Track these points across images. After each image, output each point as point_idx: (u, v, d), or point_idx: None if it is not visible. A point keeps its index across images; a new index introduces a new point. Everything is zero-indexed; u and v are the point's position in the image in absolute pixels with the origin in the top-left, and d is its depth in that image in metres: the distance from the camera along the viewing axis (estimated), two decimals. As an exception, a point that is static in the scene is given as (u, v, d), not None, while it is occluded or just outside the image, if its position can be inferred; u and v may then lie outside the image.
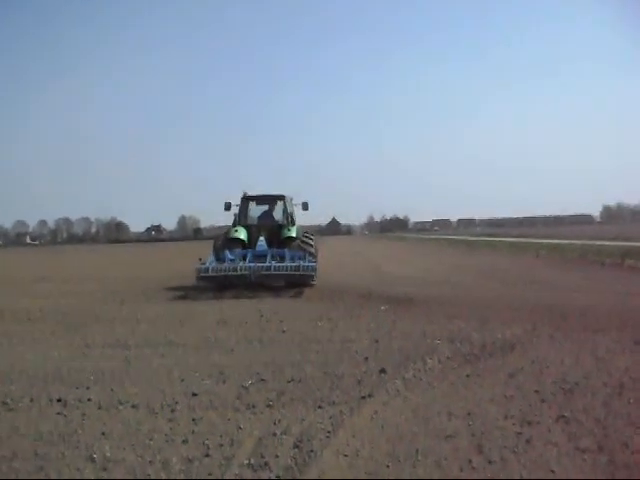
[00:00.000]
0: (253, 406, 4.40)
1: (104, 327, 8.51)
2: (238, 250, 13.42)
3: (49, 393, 4.90)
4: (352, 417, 4.11)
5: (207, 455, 3.48)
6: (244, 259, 12.95)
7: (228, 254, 13.02)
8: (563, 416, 3.97)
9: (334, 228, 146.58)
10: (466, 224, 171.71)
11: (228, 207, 15.21)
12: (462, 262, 22.92)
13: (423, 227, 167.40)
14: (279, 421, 4.05)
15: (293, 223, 14.93)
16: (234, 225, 14.60)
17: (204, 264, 12.70)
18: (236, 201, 15.11)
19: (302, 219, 16.18)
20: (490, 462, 3.29)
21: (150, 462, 3.41)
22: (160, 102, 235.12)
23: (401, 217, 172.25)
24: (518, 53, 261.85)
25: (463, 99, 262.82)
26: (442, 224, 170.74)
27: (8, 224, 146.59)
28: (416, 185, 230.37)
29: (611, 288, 11.68)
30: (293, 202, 15.61)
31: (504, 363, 5.57)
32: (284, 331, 7.66)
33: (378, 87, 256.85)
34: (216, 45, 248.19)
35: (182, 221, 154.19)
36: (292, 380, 5.12)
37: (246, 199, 15.13)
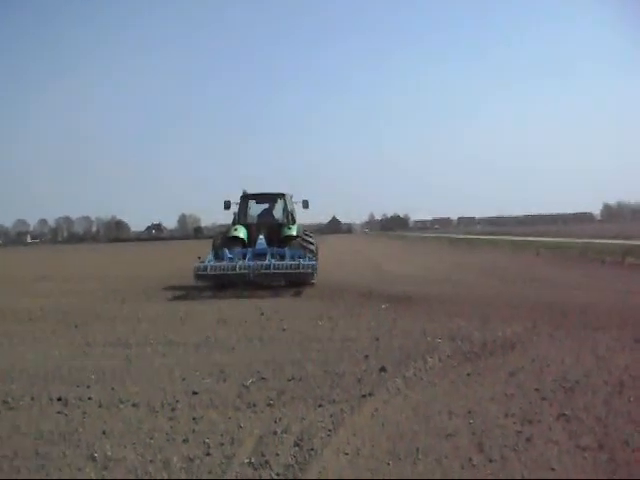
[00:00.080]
0: (254, 405, 4.41)
1: (105, 326, 8.51)
2: (238, 249, 13.35)
3: (50, 392, 4.90)
4: (353, 415, 4.11)
5: (208, 454, 3.48)
6: (244, 258, 12.89)
7: (227, 252, 12.97)
8: (564, 414, 3.97)
9: (334, 227, 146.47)
10: (467, 222, 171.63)
11: (228, 206, 15.13)
12: (462, 260, 22.92)
13: (424, 225, 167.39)
14: (280, 420, 4.06)
15: (293, 221, 14.87)
16: (234, 224, 14.55)
17: (202, 262, 12.66)
18: (236, 200, 15.04)
19: (302, 218, 16.10)
20: (491, 460, 3.28)
21: (151, 461, 3.41)
22: (160, 102, 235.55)
23: (401, 215, 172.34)
24: (518, 53, 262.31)
25: (463, 99, 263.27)
26: (442, 222, 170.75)
27: (9, 223, 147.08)
28: (416, 185, 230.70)
29: (611, 286, 11.68)
30: (293, 200, 15.54)
31: (505, 361, 5.57)
32: (284, 330, 7.67)
33: (378, 87, 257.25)
34: (216, 45, 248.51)
35: (182, 220, 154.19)
36: (293, 379, 5.12)
37: (246, 197, 15.01)
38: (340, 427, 3.87)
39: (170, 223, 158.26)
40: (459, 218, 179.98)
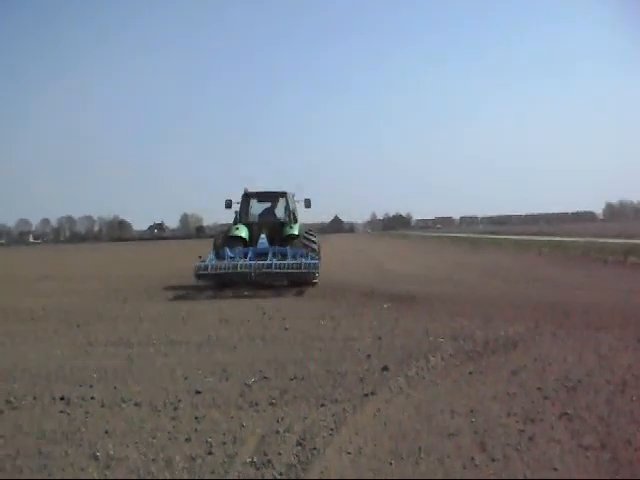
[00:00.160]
0: (256, 404, 4.41)
1: (107, 325, 8.53)
2: (239, 248, 13.29)
3: (52, 391, 4.91)
4: (355, 415, 4.11)
5: (210, 453, 3.49)
6: (245, 257, 12.84)
7: (228, 252, 12.91)
8: (566, 413, 3.96)
9: (337, 226, 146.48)
10: (469, 222, 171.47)
11: (229, 205, 15.02)
12: (464, 260, 22.90)
13: (426, 225, 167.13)
14: (282, 419, 4.06)
15: (295, 220, 14.78)
16: (235, 223, 14.47)
17: (203, 262, 12.62)
18: (237, 199, 14.89)
19: (304, 217, 16.02)
20: (493, 460, 3.28)
21: (153, 460, 3.41)
22: (160, 102, 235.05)
23: (404, 215, 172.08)
24: (518, 53, 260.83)
25: (463, 99, 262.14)
26: (445, 222, 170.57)
27: (11, 223, 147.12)
28: (417, 185, 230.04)
29: (614, 285, 11.66)
30: (295, 199, 15.43)
31: (507, 361, 5.56)
32: (286, 329, 7.67)
33: (378, 87, 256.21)
34: (216, 45, 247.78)
35: (184, 219, 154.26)
36: (295, 378, 5.12)
37: (247, 196, 14.88)
38: (342, 426, 3.87)
39: (172, 222, 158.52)
40: (461, 217, 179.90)
